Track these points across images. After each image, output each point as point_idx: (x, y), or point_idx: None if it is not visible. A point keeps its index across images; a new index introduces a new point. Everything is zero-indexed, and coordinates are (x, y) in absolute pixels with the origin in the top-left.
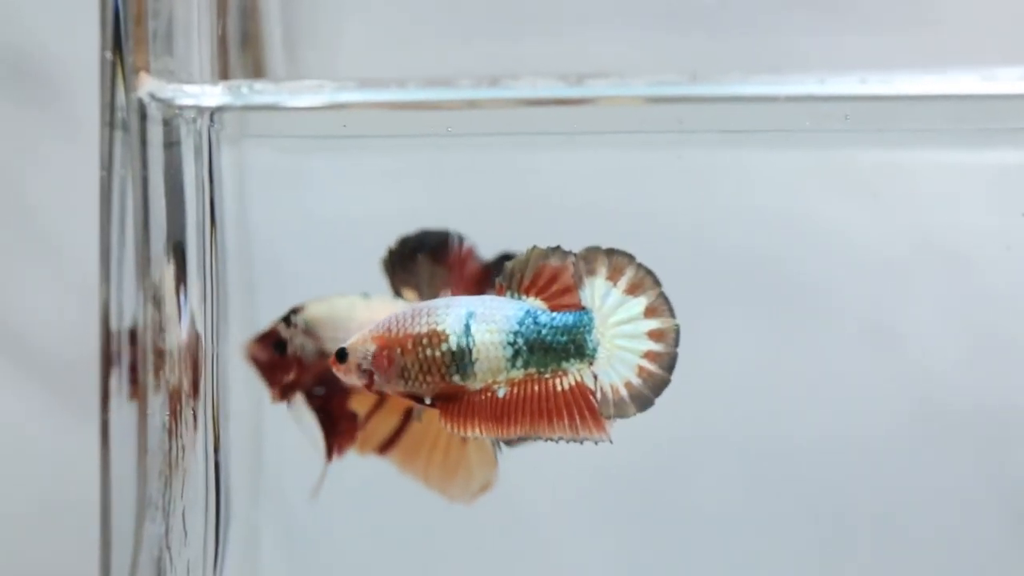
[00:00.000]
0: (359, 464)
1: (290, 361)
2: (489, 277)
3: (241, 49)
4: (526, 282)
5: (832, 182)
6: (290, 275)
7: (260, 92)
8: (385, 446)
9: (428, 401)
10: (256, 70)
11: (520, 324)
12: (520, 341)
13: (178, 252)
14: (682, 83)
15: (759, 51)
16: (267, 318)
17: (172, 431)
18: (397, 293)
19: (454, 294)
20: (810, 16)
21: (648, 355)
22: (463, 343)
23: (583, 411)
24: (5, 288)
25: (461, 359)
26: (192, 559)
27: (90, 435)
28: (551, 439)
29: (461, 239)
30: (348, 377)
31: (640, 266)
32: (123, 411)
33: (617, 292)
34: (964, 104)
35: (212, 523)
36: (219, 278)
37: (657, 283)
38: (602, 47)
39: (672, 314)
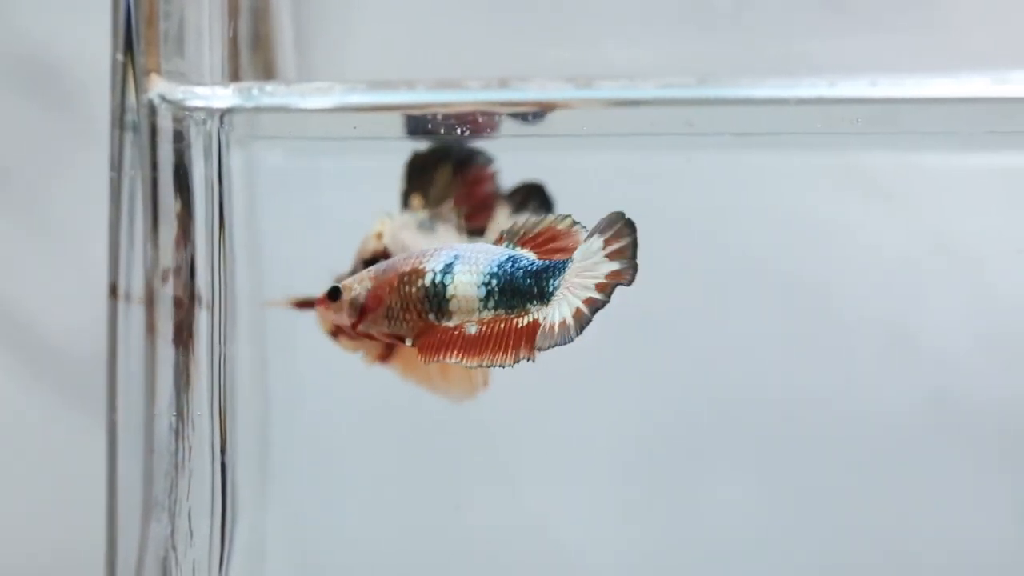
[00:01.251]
0: (367, 465)
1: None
2: (495, 204)
3: (252, 51)
4: (526, 237)
5: (843, 184)
6: (300, 276)
7: (270, 94)
8: (384, 356)
9: (409, 343)
10: (267, 72)
11: (499, 267)
12: (494, 283)
13: (188, 253)
14: (691, 86)
15: (770, 54)
16: (276, 319)
17: (179, 432)
18: (406, 200)
19: (457, 206)
20: (821, 18)
21: (587, 300)
22: (439, 280)
23: (527, 343)
24: (19, 286)
25: (436, 296)
26: (198, 560)
27: (98, 434)
28: (499, 367)
29: (490, 160)
30: (338, 317)
31: (635, 241)
32: (130, 411)
33: (603, 253)
34: (975, 107)
35: (218, 524)
36: (228, 279)
37: (635, 253)
38: (613, 49)
39: (631, 279)
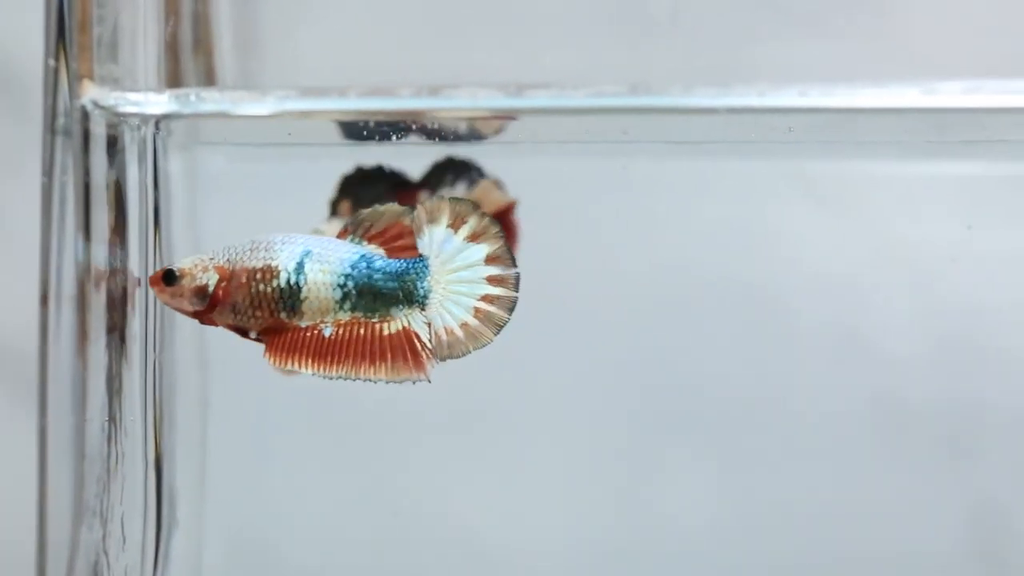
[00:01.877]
0: (304, 469)
1: None
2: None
3: (193, 56)
4: (372, 232)
5: (778, 192)
6: None
7: (205, 100)
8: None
9: (254, 335)
10: (208, 77)
11: (353, 268)
12: (351, 284)
13: (121, 258)
14: (622, 94)
15: (706, 61)
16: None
17: (111, 437)
18: (334, 208)
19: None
20: (757, 26)
21: (486, 298)
22: (294, 281)
23: (406, 354)
24: None
25: (291, 297)
26: (130, 565)
27: (29, 438)
28: (371, 380)
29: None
30: (176, 302)
31: (483, 215)
32: (61, 416)
33: (458, 239)
34: (907, 117)
35: (152, 530)
36: None
37: (500, 234)
38: (545, 57)
39: (514, 263)
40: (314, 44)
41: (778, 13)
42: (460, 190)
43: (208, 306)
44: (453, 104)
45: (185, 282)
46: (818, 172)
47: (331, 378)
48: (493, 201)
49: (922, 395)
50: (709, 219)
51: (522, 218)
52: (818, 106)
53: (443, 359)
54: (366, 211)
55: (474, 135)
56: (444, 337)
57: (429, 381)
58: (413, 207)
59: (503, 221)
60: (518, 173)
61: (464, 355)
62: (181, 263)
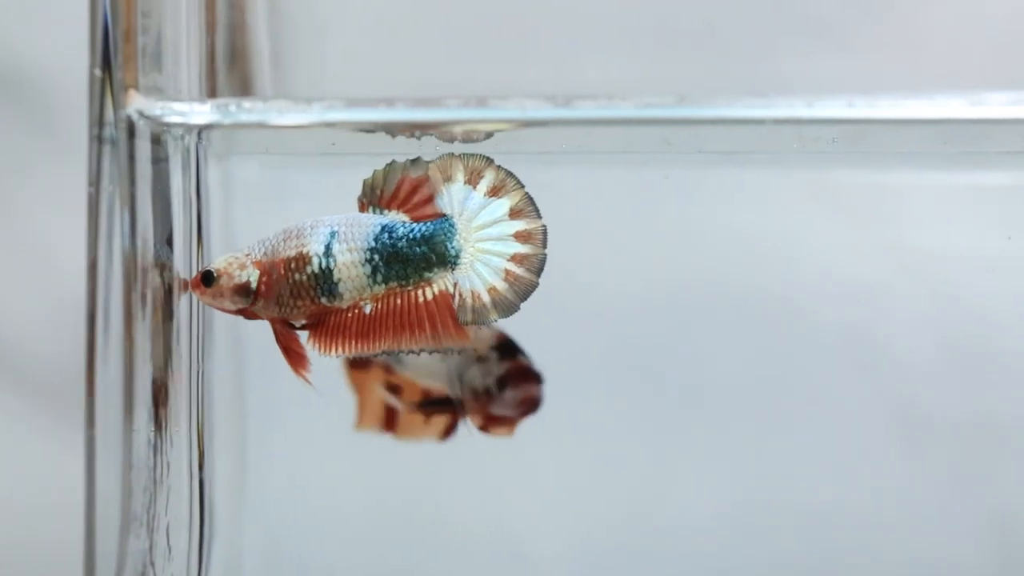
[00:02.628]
0: (343, 480)
1: None
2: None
3: (228, 66)
4: (387, 196)
5: (818, 202)
6: None
7: (248, 110)
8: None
9: (299, 324)
10: (243, 87)
11: (376, 240)
12: (376, 257)
13: (167, 269)
14: (670, 105)
15: (748, 74)
16: (252, 334)
17: (157, 447)
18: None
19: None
20: (798, 39)
21: (515, 257)
22: (324, 264)
23: (445, 320)
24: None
25: (325, 281)
26: (176, 574)
27: (76, 449)
28: (414, 351)
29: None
30: (217, 302)
31: (500, 168)
32: (109, 426)
33: (478, 195)
34: (950, 127)
35: (196, 539)
36: None
37: (520, 184)
38: (591, 68)
39: (538, 214)
40: (349, 54)
41: (809, 24)
42: None
43: (252, 302)
44: (501, 115)
45: (223, 282)
46: (858, 181)
47: (375, 355)
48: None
49: (949, 406)
50: (748, 229)
51: (562, 226)
52: (866, 117)
53: (466, 324)
54: (369, 178)
55: (466, 139)
56: (470, 302)
57: (474, 349)
58: (414, 159)
59: None
60: (559, 180)
61: (489, 323)
62: (216, 263)
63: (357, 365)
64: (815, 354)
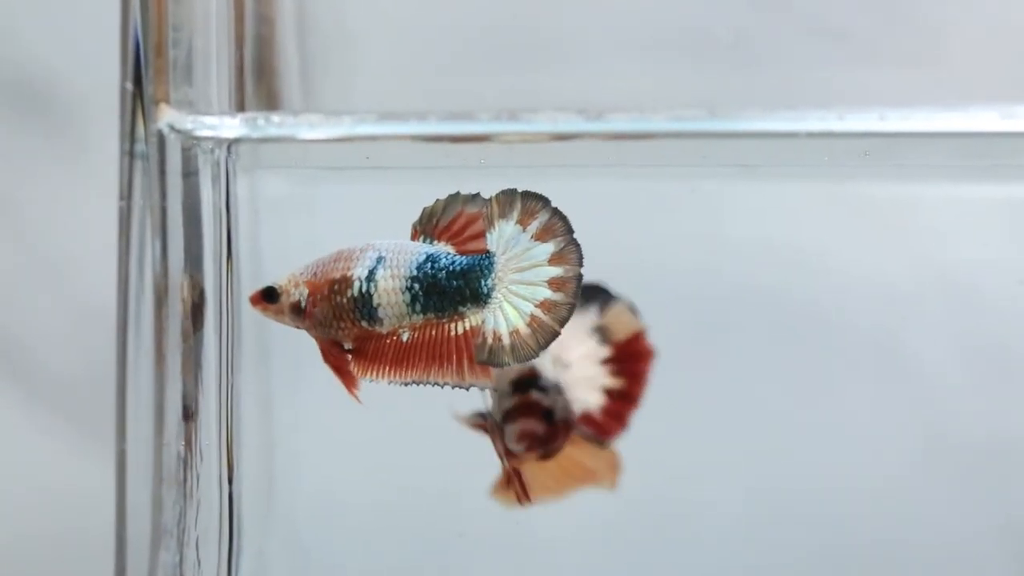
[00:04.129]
0: (370, 494)
1: None
2: None
3: (256, 80)
4: (441, 226)
5: (849, 215)
6: None
7: (278, 124)
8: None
9: (348, 347)
10: (270, 101)
11: (419, 269)
12: (417, 286)
13: (197, 283)
14: (701, 118)
15: (777, 86)
16: (281, 348)
17: (187, 461)
18: None
19: None
20: (829, 52)
21: (543, 304)
22: (365, 289)
23: (472, 357)
24: (18, 313)
25: (364, 305)
26: None
27: (104, 462)
28: (438, 384)
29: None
30: (280, 318)
31: (555, 211)
32: (139, 441)
33: (526, 237)
34: (982, 140)
35: (225, 552)
36: (236, 308)
37: (569, 229)
38: (622, 81)
39: (579, 262)
40: (378, 68)
41: (838, 37)
42: (592, 313)
43: (302, 321)
44: (532, 128)
45: (284, 299)
46: (889, 195)
47: (406, 384)
48: (624, 325)
49: (975, 417)
50: (778, 242)
51: (592, 239)
52: (898, 130)
53: (481, 363)
54: (429, 207)
55: None
56: (489, 341)
57: (495, 389)
58: (476, 195)
59: (633, 349)
60: (588, 193)
61: (504, 365)
62: (279, 280)
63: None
64: (843, 366)
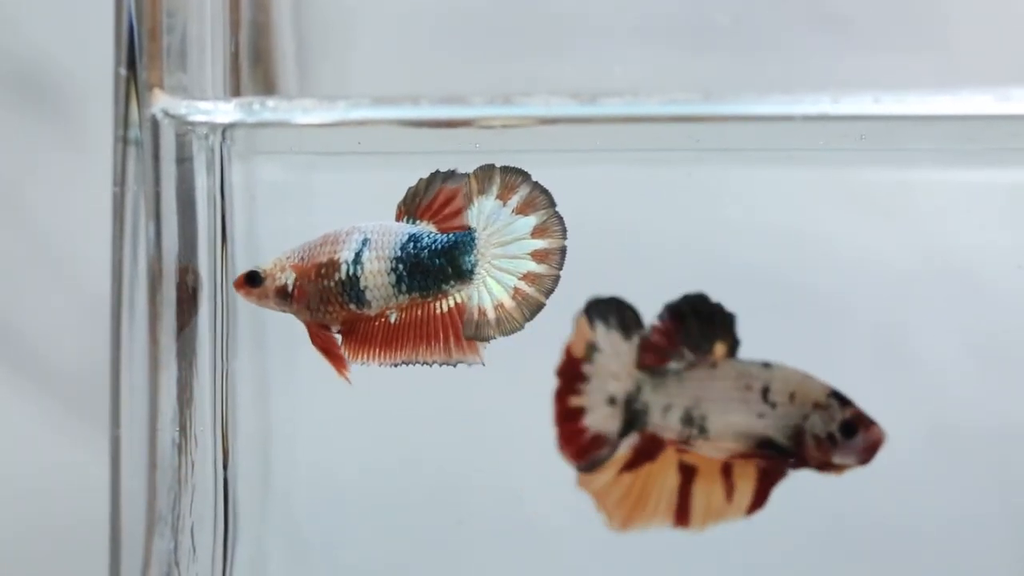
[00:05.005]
0: (367, 479)
1: None
2: None
3: (252, 65)
4: (423, 205)
5: (845, 200)
6: None
7: (272, 109)
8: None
9: (335, 330)
10: (267, 86)
11: (402, 250)
12: (401, 267)
13: (191, 268)
14: (696, 102)
15: (773, 70)
16: (276, 333)
17: (182, 447)
18: None
19: None
20: (824, 36)
21: (527, 276)
22: (352, 272)
23: (458, 334)
24: (17, 300)
25: (352, 288)
26: (200, 574)
27: (101, 449)
28: (427, 363)
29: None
30: (264, 302)
31: (536, 184)
32: (133, 427)
33: (507, 211)
34: (978, 124)
35: (220, 539)
36: (230, 293)
37: (551, 202)
38: (616, 65)
39: (563, 234)
40: (374, 53)
41: (834, 21)
42: None
43: (288, 305)
44: (527, 112)
45: (268, 283)
46: (885, 179)
47: (396, 365)
48: None
49: (977, 402)
50: (774, 226)
51: (587, 224)
52: (893, 113)
53: (468, 338)
54: (412, 187)
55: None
56: (475, 317)
57: (483, 364)
58: (454, 172)
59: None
60: (583, 178)
61: (490, 339)
62: (264, 264)
63: (643, 455)
64: (841, 350)
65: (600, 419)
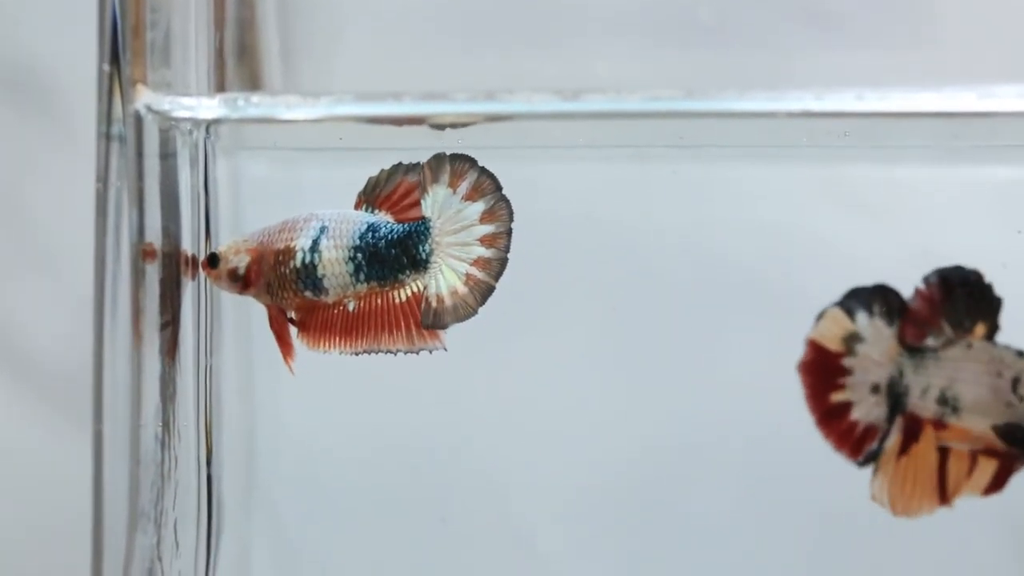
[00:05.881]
0: (351, 476)
1: None
2: None
3: (238, 61)
4: (382, 196)
5: (829, 197)
6: None
7: (256, 105)
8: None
9: (291, 315)
10: (252, 82)
11: (360, 239)
12: (360, 256)
13: (174, 264)
14: (679, 98)
15: (757, 67)
16: (261, 329)
17: (165, 443)
18: None
19: None
20: (808, 33)
21: (477, 262)
22: (308, 260)
23: (418, 322)
24: (4, 298)
25: (308, 276)
26: (183, 570)
27: (83, 445)
28: (391, 352)
29: None
30: (218, 283)
31: (483, 170)
32: (116, 422)
33: (457, 199)
34: (961, 121)
35: (204, 534)
36: (214, 289)
37: (498, 186)
38: (599, 62)
39: (509, 217)
40: (358, 49)
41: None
42: None
43: (243, 287)
44: (510, 108)
45: (222, 265)
46: (869, 176)
47: (357, 353)
48: None
49: None
50: (758, 224)
51: (570, 221)
52: (876, 110)
53: (427, 327)
54: (372, 177)
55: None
56: (434, 305)
57: (445, 349)
58: (416, 164)
59: None
60: (568, 176)
61: (447, 326)
62: (221, 246)
63: (910, 437)
64: None
65: (868, 409)
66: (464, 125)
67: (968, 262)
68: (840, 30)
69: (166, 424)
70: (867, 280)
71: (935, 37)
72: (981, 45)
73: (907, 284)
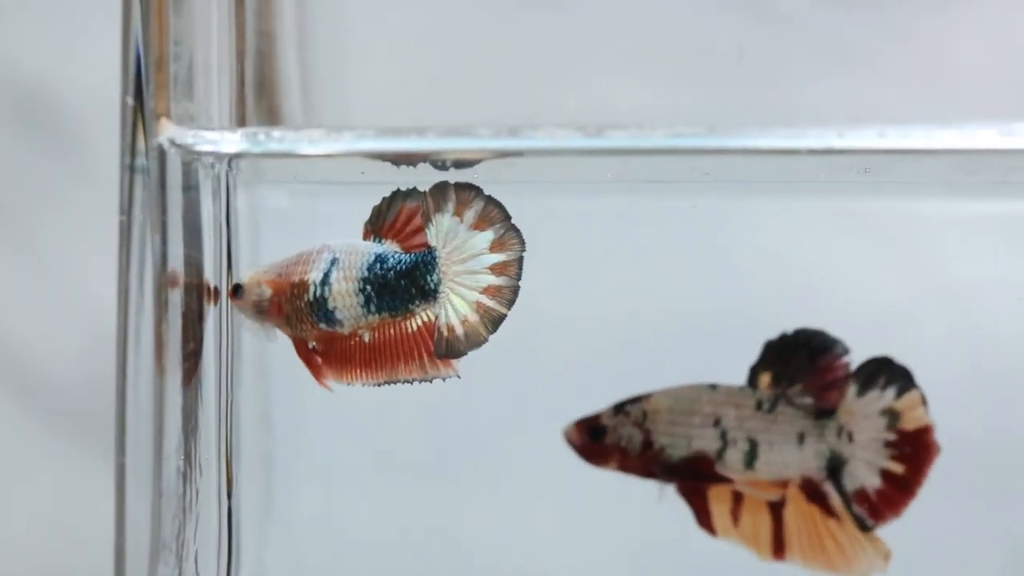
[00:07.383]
0: (369, 507)
1: (609, 449)
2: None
3: (257, 94)
4: (387, 224)
5: (850, 232)
6: None
7: (279, 139)
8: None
9: (312, 346)
10: (271, 116)
11: (369, 270)
12: (369, 288)
13: (197, 297)
14: (701, 135)
15: (778, 102)
16: (280, 364)
17: (186, 475)
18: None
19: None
20: (829, 69)
21: (487, 290)
22: (319, 293)
23: (430, 351)
24: (24, 328)
25: (320, 309)
26: None
27: (106, 477)
28: (407, 381)
29: (845, 351)
30: (245, 313)
31: (489, 198)
32: (139, 455)
33: (464, 227)
34: (981, 157)
35: (224, 566)
36: (235, 322)
37: (506, 215)
38: (622, 98)
39: (521, 246)
40: (379, 83)
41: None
42: (889, 394)
43: (265, 318)
44: (533, 144)
45: (246, 297)
46: (889, 210)
47: (378, 385)
48: (917, 416)
49: (976, 433)
50: (777, 258)
51: (592, 255)
52: (897, 147)
53: (440, 357)
54: (378, 204)
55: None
56: (445, 334)
57: (459, 377)
58: (414, 189)
59: (921, 440)
60: (589, 209)
61: (460, 355)
62: (244, 277)
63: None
64: None
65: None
66: (470, 164)
67: (985, 296)
68: (862, 66)
69: (187, 457)
70: (884, 315)
71: (956, 73)
72: (1001, 81)
73: (925, 318)
